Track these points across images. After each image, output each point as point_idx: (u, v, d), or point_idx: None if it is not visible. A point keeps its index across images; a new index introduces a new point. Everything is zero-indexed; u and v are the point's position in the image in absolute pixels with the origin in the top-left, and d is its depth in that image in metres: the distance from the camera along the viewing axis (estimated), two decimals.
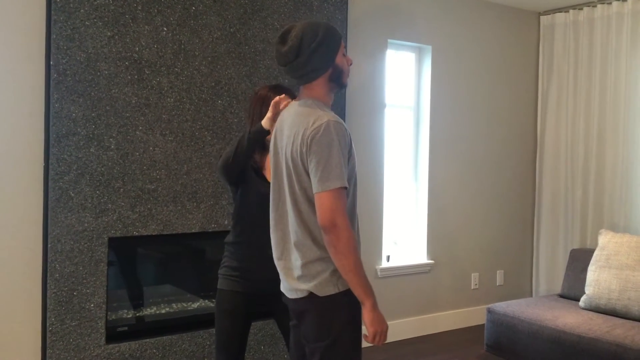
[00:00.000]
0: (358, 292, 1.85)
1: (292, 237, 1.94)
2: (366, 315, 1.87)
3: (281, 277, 2.03)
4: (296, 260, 1.93)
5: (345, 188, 1.82)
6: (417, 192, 4.69)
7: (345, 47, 3.95)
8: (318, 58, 1.90)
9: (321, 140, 1.81)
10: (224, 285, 2.49)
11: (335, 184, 1.79)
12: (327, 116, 1.85)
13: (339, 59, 1.97)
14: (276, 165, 2.02)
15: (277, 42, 1.94)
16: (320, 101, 1.96)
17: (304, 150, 1.84)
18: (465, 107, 4.82)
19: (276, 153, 2.02)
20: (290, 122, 1.95)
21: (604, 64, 4.64)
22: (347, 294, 1.88)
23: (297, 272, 1.93)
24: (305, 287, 1.90)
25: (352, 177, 1.92)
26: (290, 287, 1.97)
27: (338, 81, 2.00)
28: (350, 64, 2.04)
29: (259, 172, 2.42)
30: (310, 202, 1.88)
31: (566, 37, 4.94)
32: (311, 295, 1.90)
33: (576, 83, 4.86)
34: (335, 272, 1.88)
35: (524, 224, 5.25)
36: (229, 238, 2.53)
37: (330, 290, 1.88)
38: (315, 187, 1.82)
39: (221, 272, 2.53)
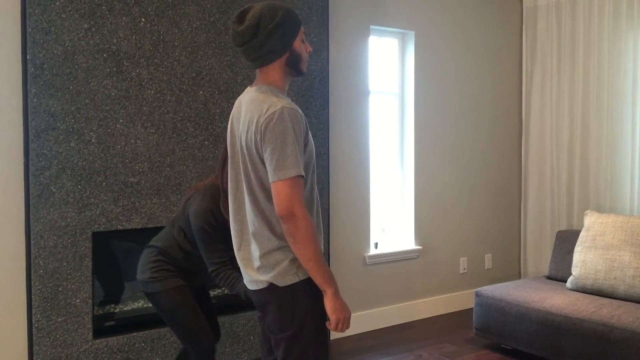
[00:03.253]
0: (319, 280, 1.83)
1: (250, 228, 1.91)
2: (328, 303, 1.84)
3: (241, 268, 2.00)
4: (255, 250, 1.91)
5: (302, 176, 1.79)
6: (404, 179, 4.69)
7: (327, 34, 3.94)
8: (275, 40, 1.86)
9: (275, 127, 1.77)
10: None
11: (291, 173, 1.75)
12: (281, 102, 1.81)
13: (297, 44, 1.92)
14: (233, 153, 1.98)
15: (233, 21, 1.89)
16: (276, 87, 1.92)
17: (258, 138, 1.80)
18: (450, 92, 4.81)
19: (233, 141, 1.98)
20: (245, 109, 1.90)
21: (587, 46, 4.65)
22: (308, 282, 1.86)
23: (257, 262, 1.90)
24: (265, 278, 1.88)
25: (309, 165, 1.89)
26: (251, 278, 1.94)
27: (295, 67, 1.95)
28: (310, 52, 1.99)
29: None
30: (267, 191, 1.84)
31: (549, 19, 4.94)
32: (271, 285, 1.88)
33: (560, 65, 4.86)
34: (294, 260, 1.85)
35: (511, 207, 5.27)
36: None
37: (290, 279, 1.86)
38: (271, 176, 1.78)
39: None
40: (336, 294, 1.85)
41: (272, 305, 1.90)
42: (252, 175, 1.86)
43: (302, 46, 1.95)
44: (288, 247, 1.85)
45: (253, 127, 1.82)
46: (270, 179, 1.78)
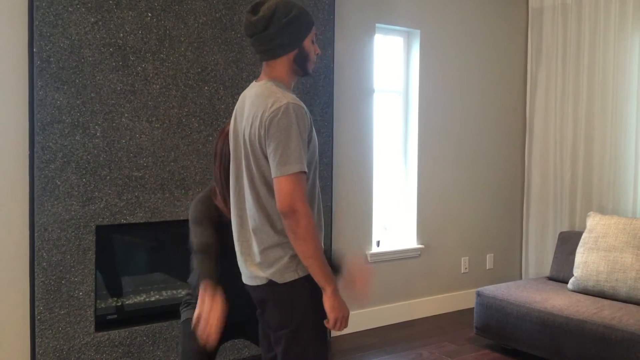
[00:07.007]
0: (318, 278, 1.82)
1: (250, 223, 1.90)
2: (327, 301, 1.83)
3: (240, 264, 1.99)
4: (254, 246, 1.90)
5: (305, 172, 1.78)
6: (407, 177, 4.69)
7: (333, 32, 3.94)
8: (287, 34, 1.87)
9: (280, 123, 1.77)
10: None
11: (294, 168, 1.75)
12: (286, 98, 1.81)
13: (307, 43, 1.94)
14: (235, 147, 1.97)
15: (247, 11, 1.90)
16: (282, 82, 1.92)
17: (262, 133, 1.80)
18: (454, 91, 4.81)
19: (236, 135, 1.97)
20: (249, 104, 1.90)
21: (593, 47, 4.64)
22: (308, 279, 1.85)
23: (257, 258, 1.90)
24: (264, 274, 1.87)
25: (312, 162, 1.88)
26: (250, 274, 1.94)
27: (302, 65, 1.95)
28: (318, 54, 2.00)
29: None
30: (269, 186, 1.84)
31: (554, 20, 4.93)
32: (270, 282, 1.87)
33: (565, 66, 4.85)
34: (294, 257, 1.84)
35: (514, 207, 5.27)
36: None
37: (290, 276, 1.85)
38: (273, 171, 1.78)
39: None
40: (335, 292, 1.84)
41: (272, 302, 1.90)
42: (254, 170, 1.86)
43: (311, 46, 1.96)
44: (288, 243, 1.84)
45: (257, 122, 1.81)
46: (273, 174, 1.78)
